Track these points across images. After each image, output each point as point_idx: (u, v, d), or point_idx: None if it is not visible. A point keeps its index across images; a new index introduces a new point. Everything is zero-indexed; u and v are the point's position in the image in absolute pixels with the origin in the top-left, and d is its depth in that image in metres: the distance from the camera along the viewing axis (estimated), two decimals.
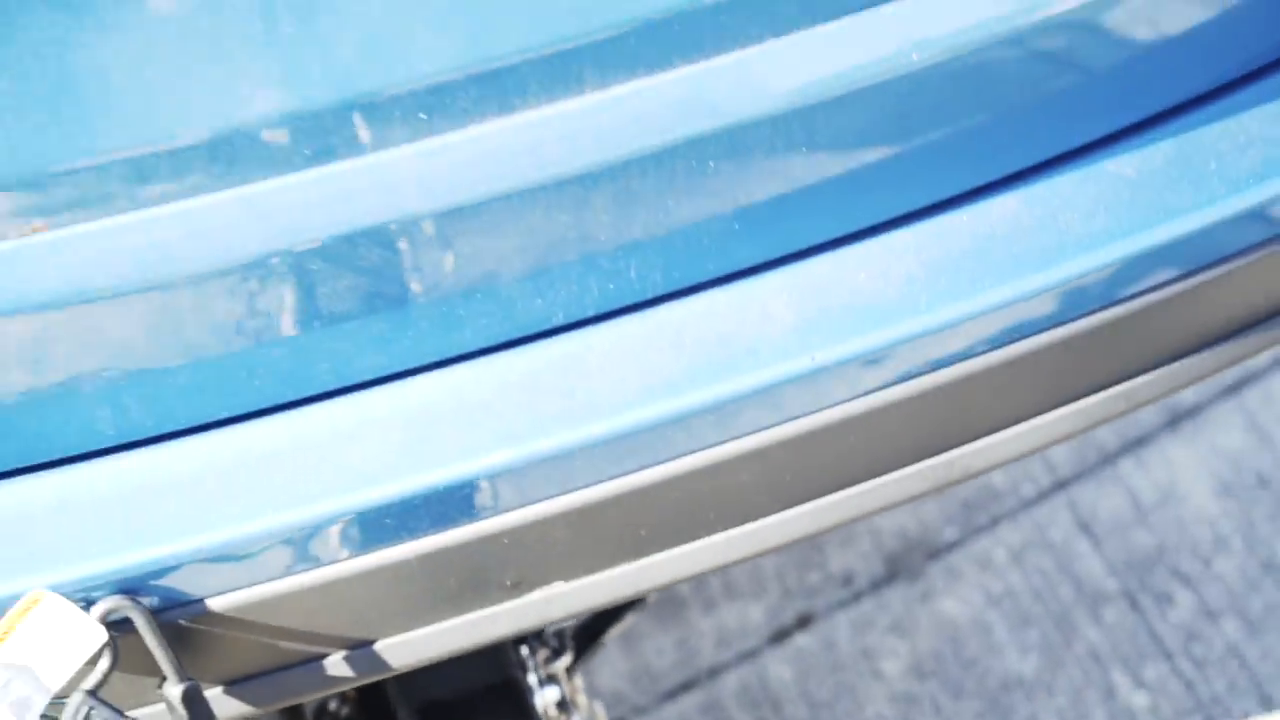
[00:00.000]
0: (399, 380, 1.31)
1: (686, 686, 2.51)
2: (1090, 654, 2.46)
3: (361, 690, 1.85)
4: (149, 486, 1.26)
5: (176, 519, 1.26)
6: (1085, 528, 2.60)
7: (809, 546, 2.59)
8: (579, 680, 1.87)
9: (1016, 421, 1.46)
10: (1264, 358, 2.79)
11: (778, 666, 2.45)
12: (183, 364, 1.24)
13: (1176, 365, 1.48)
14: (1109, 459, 2.70)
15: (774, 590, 2.56)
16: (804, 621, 2.53)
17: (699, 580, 2.55)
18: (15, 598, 1.18)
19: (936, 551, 2.60)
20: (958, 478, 1.47)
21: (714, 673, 2.52)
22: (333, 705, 1.84)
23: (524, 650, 1.88)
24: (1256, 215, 1.39)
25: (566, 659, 1.90)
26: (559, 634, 1.93)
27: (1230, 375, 2.78)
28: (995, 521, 2.63)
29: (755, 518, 1.40)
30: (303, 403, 1.29)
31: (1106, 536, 2.60)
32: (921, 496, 1.48)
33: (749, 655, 2.49)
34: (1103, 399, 1.47)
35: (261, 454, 1.28)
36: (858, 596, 2.56)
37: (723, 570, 1.58)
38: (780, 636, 2.52)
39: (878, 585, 2.57)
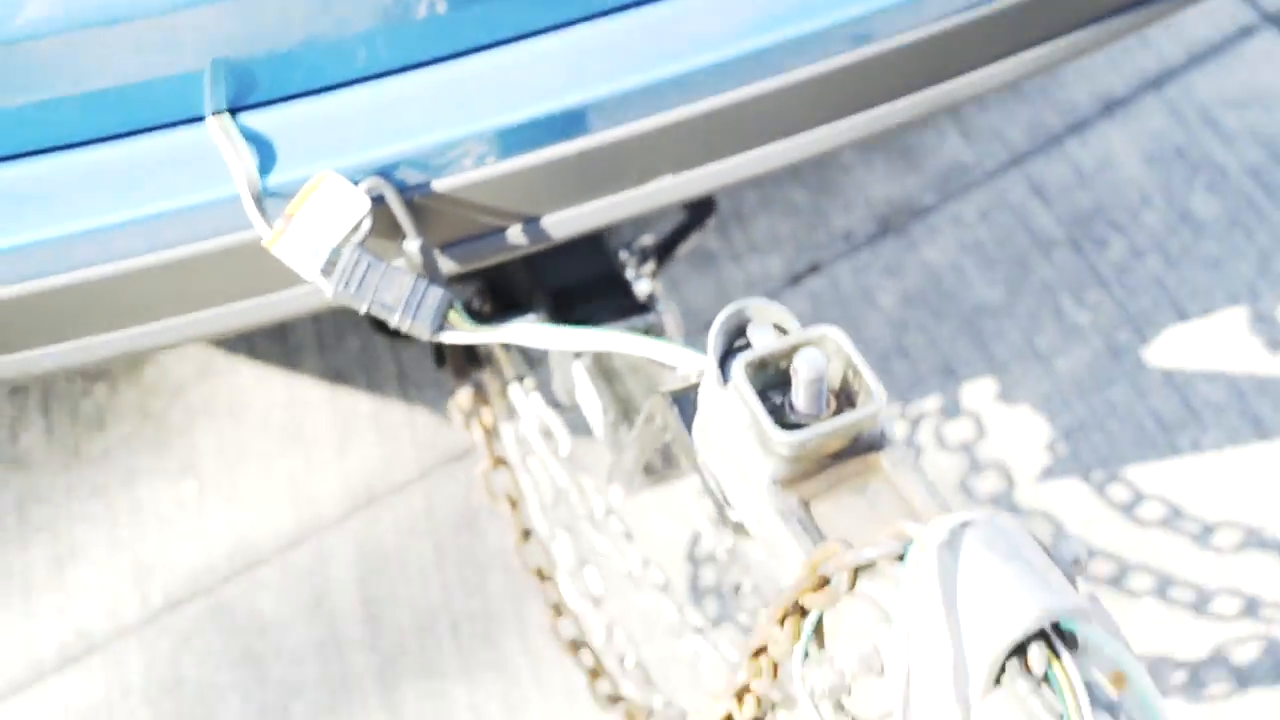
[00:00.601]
0: (561, 30, 1.57)
1: None
2: (1043, 285, 2.66)
3: (494, 292, 2.09)
4: (399, 100, 1.53)
5: (417, 122, 1.52)
6: (1038, 191, 2.80)
7: (814, 212, 2.75)
8: (659, 283, 2.13)
9: (981, 66, 1.74)
10: (1180, 56, 2.98)
11: (795, 302, 2.59)
12: (423, 15, 1.49)
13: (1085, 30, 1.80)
14: (1056, 139, 2.89)
15: (788, 246, 2.73)
16: (814, 268, 2.70)
17: (726, 238, 2.70)
18: (305, 179, 1.46)
19: (918, 212, 2.78)
20: (948, 104, 1.76)
21: None
22: (475, 304, 2.08)
23: (623, 254, 2.17)
24: None
25: (651, 265, 2.19)
26: (643, 247, 2.21)
27: (1153, 71, 2.96)
28: (965, 189, 2.81)
29: (799, 132, 1.67)
30: (496, 44, 1.56)
31: (1055, 198, 2.78)
32: (914, 121, 1.77)
33: (771, 295, 2.61)
34: (1044, 50, 1.77)
35: (473, 78, 1.54)
36: (856, 248, 2.73)
37: (770, 176, 1.76)
38: (795, 280, 2.69)
39: (872, 239, 2.74)
